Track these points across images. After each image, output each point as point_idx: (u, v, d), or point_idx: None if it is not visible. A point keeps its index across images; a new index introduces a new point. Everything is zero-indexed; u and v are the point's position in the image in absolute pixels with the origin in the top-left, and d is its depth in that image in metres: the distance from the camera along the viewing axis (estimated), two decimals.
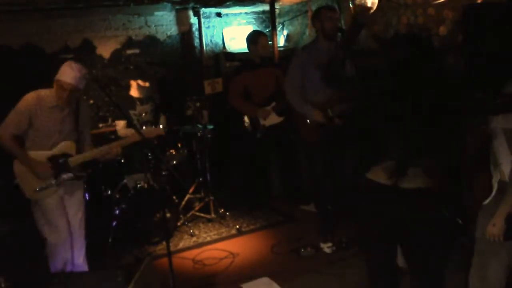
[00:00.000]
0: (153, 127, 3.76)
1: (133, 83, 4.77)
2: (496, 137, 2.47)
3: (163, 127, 4.40)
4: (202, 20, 5.92)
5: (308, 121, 4.12)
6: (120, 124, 4.63)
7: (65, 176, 3.42)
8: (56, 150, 3.39)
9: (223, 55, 6.10)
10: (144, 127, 3.92)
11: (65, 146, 3.42)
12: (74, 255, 3.63)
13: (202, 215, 5.00)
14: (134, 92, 4.75)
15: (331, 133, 4.07)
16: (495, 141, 2.48)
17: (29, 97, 3.32)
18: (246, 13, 6.28)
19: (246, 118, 4.93)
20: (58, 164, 3.38)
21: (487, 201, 2.57)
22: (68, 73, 3.25)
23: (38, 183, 3.36)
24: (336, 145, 4.15)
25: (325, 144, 4.12)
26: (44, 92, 3.35)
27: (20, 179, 3.39)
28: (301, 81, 4.12)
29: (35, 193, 3.37)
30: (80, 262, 3.66)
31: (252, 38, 4.95)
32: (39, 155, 3.36)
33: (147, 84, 4.87)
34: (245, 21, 6.33)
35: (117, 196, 4.43)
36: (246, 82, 4.91)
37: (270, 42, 5.80)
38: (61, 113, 3.38)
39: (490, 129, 2.49)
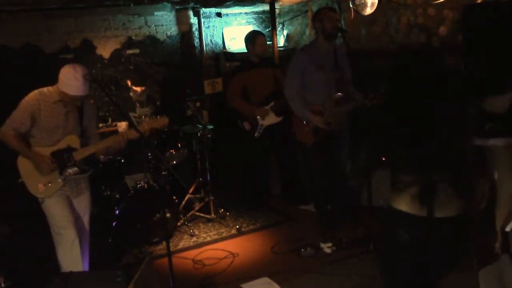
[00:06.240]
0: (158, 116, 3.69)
1: (128, 83, 4.78)
2: (494, 151, 2.49)
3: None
4: (202, 20, 5.92)
5: (304, 122, 4.11)
6: (122, 126, 4.64)
7: (70, 170, 3.39)
8: (60, 145, 3.38)
9: (223, 55, 6.10)
10: (143, 117, 3.89)
11: (69, 140, 3.40)
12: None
13: (202, 215, 5.00)
14: (131, 94, 4.77)
15: (328, 135, 4.07)
16: (493, 154, 2.50)
17: (32, 94, 3.32)
18: (246, 13, 6.29)
19: (245, 125, 4.92)
20: (62, 158, 3.36)
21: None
22: (74, 85, 3.20)
23: (43, 179, 3.34)
24: (333, 147, 4.15)
25: (322, 146, 4.12)
26: (46, 89, 3.35)
27: (25, 176, 3.38)
28: (300, 81, 4.12)
29: (39, 190, 3.35)
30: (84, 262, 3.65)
31: (250, 38, 4.95)
32: (43, 151, 3.34)
33: (138, 89, 4.88)
34: (245, 21, 6.34)
35: (117, 196, 4.42)
36: (244, 82, 4.91)
37: (270, 42, 5.82)
38: (64, 108, 3.37)
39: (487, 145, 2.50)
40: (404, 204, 2.16)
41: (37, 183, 3.35)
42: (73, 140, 3.42)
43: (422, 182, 2.09)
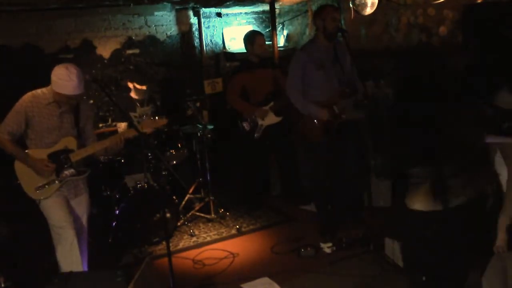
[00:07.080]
0: (156, 117, 3.69)
1: (130, 85, 4.77)
2: (494, 150, 2.50)
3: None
4: (202, 20, 5.92)
5: (315, 121, 4.08)
6: (122, 126, 4.64)
7: (67, 172, 3.38)
8: (57, 146, 3.37)
9: (223, 55, 6.10)
10: (144, 116, 3.88)
11: (66, 141, 3.39)
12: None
13: (202, 215, 5.00)
14: (133, 94, 4.76)
15: (337, 130, 4.08)
16: (493, 153, 2.51)
17: (25, 97, 3.31)
18: (246, 13, 6.29)
19: (244, 125, 4.92)
20: (59, 160, 3.35)
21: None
22: (70, 85, 3.18)
23: (39, 181, 3.34)
24: (340, 143, 4.13)
25: (330, 144, 4.11)
26: (40, 91, 3.34)
27: (21, 178, 3.38)
28: (302, 81, 4.11)
29: (36, 191, 3.35)
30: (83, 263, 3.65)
31: (249, 38, 4.95)
32: (40, 153, 3.33)
33: (144, 87, 4.88)
34: (245, 21, 6.33)
35: (117, 196, 4.42)
36: (244, 82, 4.91)
37: (270, 42, 5.82)
38: (59, 109, 3.35)
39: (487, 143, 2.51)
40: (418, 203, 2.28)
41: (32, 184, 3.34)
42: (70, 142, 3.41)
43: (433, 177, 2.20)
